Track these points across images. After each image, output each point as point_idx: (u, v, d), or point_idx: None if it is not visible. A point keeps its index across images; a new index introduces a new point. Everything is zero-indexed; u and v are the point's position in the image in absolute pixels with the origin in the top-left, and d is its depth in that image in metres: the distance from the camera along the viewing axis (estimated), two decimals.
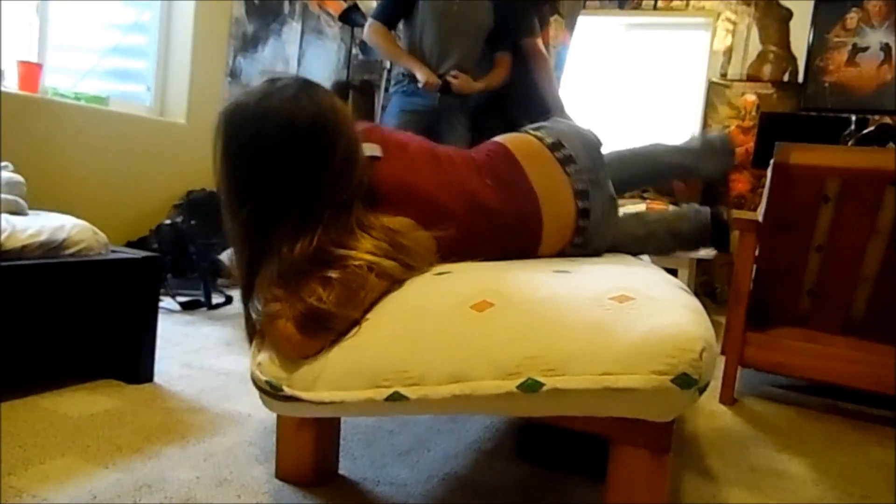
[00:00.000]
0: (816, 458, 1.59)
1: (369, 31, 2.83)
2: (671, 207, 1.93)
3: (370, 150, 1.17)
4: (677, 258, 3.30)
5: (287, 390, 0.94)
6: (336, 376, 0.94)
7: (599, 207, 1.43)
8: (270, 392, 0.97)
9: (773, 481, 1.42)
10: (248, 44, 3.62)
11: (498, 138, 1.46)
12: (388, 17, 2.87)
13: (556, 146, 1.42)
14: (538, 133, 1.47)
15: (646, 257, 1.73)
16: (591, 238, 1.43)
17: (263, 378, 0.97)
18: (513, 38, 2.89)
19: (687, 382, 0.82)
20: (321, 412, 0.98)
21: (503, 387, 0.87)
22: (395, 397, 0.90)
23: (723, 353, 2.04)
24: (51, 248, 1.50)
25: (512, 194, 1.31)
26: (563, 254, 1.41)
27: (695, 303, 1.01)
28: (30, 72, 2.52)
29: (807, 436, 1.77)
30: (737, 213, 4.25)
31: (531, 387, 0.85)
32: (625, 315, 0.90)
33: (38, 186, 2.39)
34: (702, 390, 0.84)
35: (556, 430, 1.09)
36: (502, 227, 1.28)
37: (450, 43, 2.76)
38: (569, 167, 1.41)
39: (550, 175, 1.39)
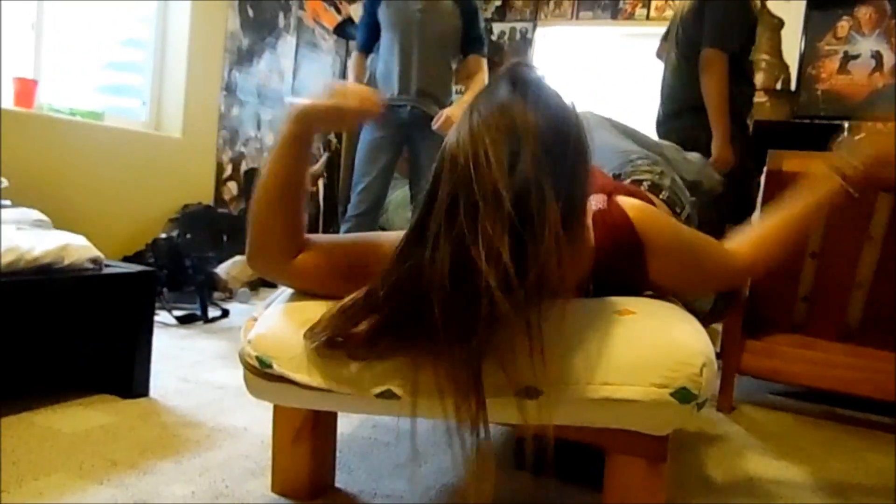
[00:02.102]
0: (814, 465, 1.58)
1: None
2: None
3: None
4: None
5: (276, 368, 0.92)
6: (329, 365, 0.91)
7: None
8: (257, 369, 0.95)
9: (770, 489, 1.41)
10: (244, 58, 3.63)
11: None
12: (362, 43, 2.79)
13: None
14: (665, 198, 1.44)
15: None
16: None
17: (254, 353, 0.95)
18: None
19: (686, 397, 0.82)
20: (303, 400, 0.95)
21: (501, 394, 0.86)
22: (387, 395, 0.89)
23: (720, 360, 2.04)
24: (48, 266, 1.49)
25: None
26: None
27: (694, 321, 1.01)
28: (25, 88, 2.53)
29: (805, 442, 1.76)
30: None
31: (530, 395, 0.85)
32: (626, 328, 0.90)
33: (34, 202, 2.38)
34: (700, 406, 0.84)
35: (553, 440, 1.08)
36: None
37: (413, 54, 2.61)
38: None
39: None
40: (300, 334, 0.92)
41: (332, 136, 4.27)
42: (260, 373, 0.95)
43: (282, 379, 0.93)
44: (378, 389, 0.89)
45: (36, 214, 1.78)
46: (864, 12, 4.12)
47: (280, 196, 0.97)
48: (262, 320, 1.00)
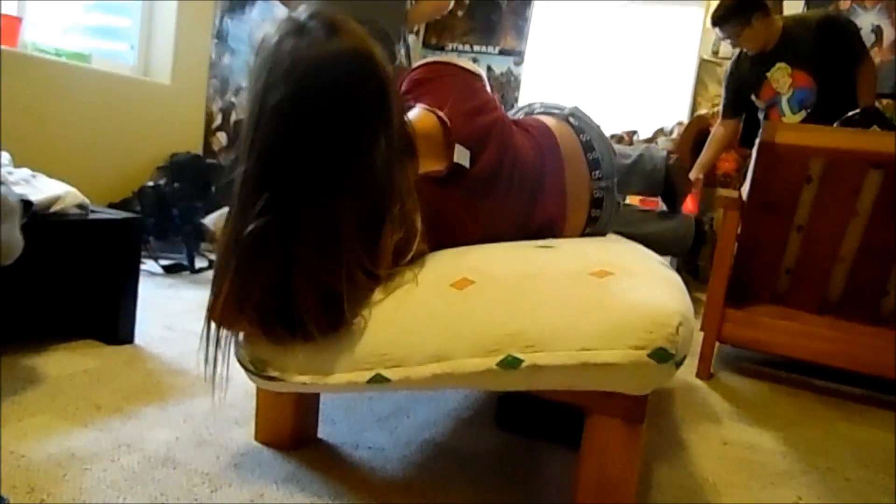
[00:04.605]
0: (787, 433, 1.62)
1: None
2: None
3: (460, 155, 1.06)
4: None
5: (270, 372, 0.96)
6: (318, 358, 0.95)
7: (607, 216, 1.44)
8: (254, 371, 0.98)
9: (743, 454, 1.45)
10: (236, 4, 3.54)
11: (549, 122, 1.38)
12: None
13: (589, 147, 1.39)
14: (576, 125, 1.42)
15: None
16: (606, 209, 1.45)
17: (248, 358, 0.99)
18: None
19: (664, 357, 0.83)
20: (305, 390, 1.00)
21: (483, 364, 0.88)
22: (377, 379, 0.91)
23: (701, 329, 2.07)
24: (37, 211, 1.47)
25: (545, 202, 1.28)
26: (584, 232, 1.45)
27: (674, 277, 1.02)
28: (9, 25, 2.46)
29: (779, 410, 1.81)
30: (722, 192, 4.27)
31: (511, 364, 0.86)
32: (603, 290, 0.91)
33: (17, 144, 2.34)
34: (678, 364, 0.86)
35: (534, 400, 1.10)
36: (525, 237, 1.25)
37: None
38: (595, 172, 1.38)
39: (580, 181, 1.36)
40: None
41: None
42: (257, 374, 0.98)
43: (278, 378, 0.96)
44: (368, 376, 0.91)
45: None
46: None
47: None
48: None
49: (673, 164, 1.82)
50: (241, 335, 1.01)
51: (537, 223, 1.28)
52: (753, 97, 2.84)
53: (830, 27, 2.64)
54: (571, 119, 1.43)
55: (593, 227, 1.42)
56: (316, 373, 0.94)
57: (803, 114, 2.73)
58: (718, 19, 2.70)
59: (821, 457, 1.49)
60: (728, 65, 2.94)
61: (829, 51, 2.61)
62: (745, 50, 2.79)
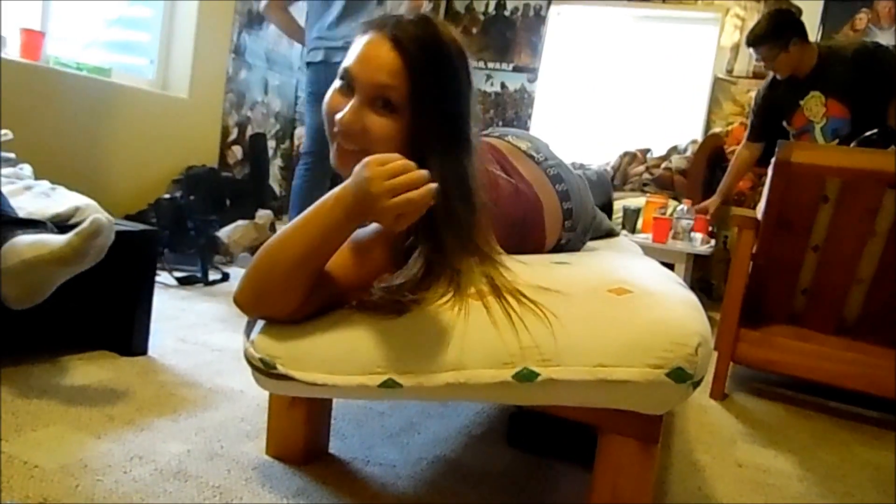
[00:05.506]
0: (803, 456, 1.60)
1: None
2: None
3: None
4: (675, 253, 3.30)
5: (280, 368, 0.95)
6: (330, 359, 0.94)
7: (575, 188, 1.47)
8: (263, 370, 0.97)
9: (758, 476, 1.43)
10: (254, 20, 3.59)
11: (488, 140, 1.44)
12: None
13: (528, 154, 1.44)
14: (512, 141, 1.47)
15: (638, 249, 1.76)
16: (577, 218, 1.47)
17: (257, 355, 0.97)
18: None
19: (681, 377, 0.82)
20: (313, 393, 0.98)
21: (498, 376, 0.87)
22: (389, 384, 0.91)
23: (715, 348, 2.05)
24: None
25: (520, 197, 1.28)
26: (559, 243, 1.43)
27: (692, 298, 1.01)
28: (32, 40, 2.51)
29: (794, 433, 1.78)
30: (737, 210, 4.25)
31: (527, 376, 0.86)
32: (622, 308, 0.90)
33: (37, 155, 2.38)
34: (696, 385, 0.85)
35: (546, 418, 1.10)
36: (516, 236, 1.24)
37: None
38: (536, 156, 1.44)
39: (538, 174, 1.39)
40: (300, 333, 0.96)
41: None
42: (265, 372, 0.97)
43: (287, 377, 0.95)
44: (380, 380, 0.91)
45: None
46: (883, 5, 4.06)
47: (309, 271, 0.94)
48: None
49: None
50: (252, 334, 1.00)
51: (519, 218, 1.28)
52: (785, 123, 2.80)
53: (868, 57, 2.59)
54: (506, 138, 1.48)
55: (570, 203, 1.44)
56: (328, 371, 0.93)
57: (835, 143, 2.70)
58: (755, 40, 2.65)
59: (838, 481, 1.47)
60: (760, 87, 2.88)
61: (865, 81, 2.57)
62: (777, 74, 2.74)
